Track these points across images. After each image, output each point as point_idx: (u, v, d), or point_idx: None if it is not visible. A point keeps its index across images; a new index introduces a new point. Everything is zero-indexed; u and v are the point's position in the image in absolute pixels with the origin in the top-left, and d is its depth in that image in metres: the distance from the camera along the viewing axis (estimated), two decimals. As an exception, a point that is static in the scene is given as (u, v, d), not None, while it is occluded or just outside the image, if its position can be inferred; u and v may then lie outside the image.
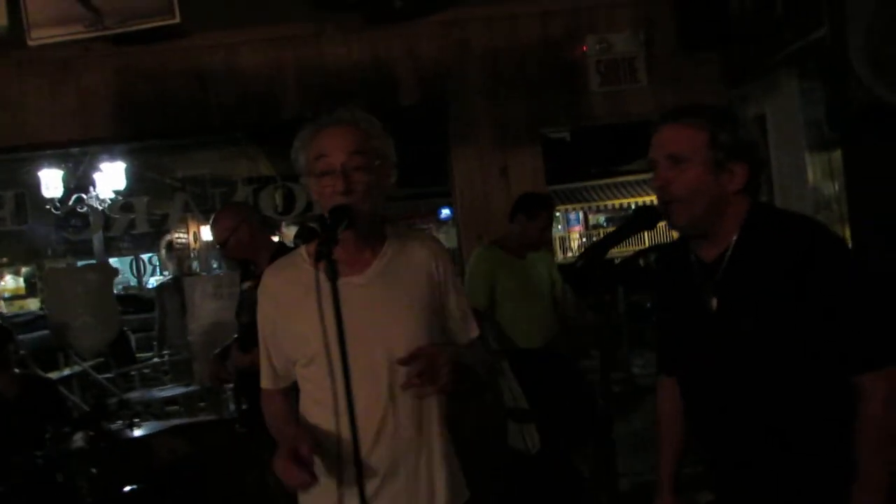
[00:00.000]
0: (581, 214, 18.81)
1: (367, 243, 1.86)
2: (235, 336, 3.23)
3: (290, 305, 1.82)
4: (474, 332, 1.97)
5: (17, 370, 3.95)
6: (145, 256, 10.37)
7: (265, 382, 1.91)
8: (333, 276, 1.59)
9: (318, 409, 1.78)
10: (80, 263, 5.19)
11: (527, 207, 3.81)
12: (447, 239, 10.14)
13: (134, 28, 2.01)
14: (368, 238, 1.85)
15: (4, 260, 8.12)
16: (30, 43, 1.74)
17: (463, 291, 1.98)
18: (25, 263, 8.76)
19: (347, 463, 1.68)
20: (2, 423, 3.62)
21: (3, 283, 21.80)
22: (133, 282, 10.66)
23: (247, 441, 3.60)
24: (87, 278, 4.57)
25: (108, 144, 4.89)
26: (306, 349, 1.78)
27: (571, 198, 17.80)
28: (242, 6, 3.88)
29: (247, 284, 3.11)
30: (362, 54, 4.46)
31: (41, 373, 5.03)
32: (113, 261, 10.92)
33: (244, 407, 3.61)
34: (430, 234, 2.12)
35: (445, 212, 14.73)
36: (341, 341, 1.60)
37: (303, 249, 1.90)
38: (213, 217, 3.36)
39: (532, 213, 3.79)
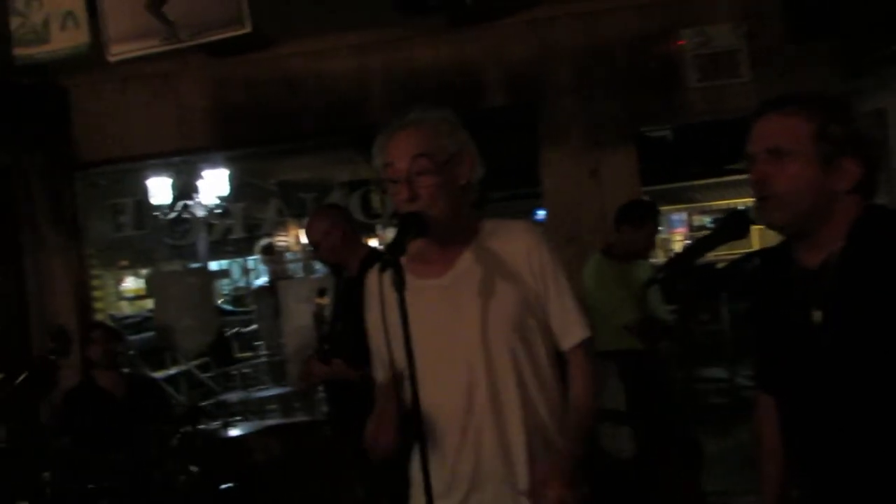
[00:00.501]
0: (685, 216, 18.11)
1: (451, 242, 1.77)
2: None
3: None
4: (582, 333, 1.79)
5: (125, 370, 4.14)
6: (250, 259, 10.75)
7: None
8: (400, 287, 1.53)
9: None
10: (190, 266, 5.40)
11: (632, 217, 3.69)
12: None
13: (206, 40, 2.04)
14: (452, 236, 1.77)
15: (125, 262, 8.62)
16: (109, 58, 1.78)
17: (567, 287, 1.79)
18: (144, 266, 9.28)
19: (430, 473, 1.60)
20: (109, 421, 3.79)
21: (125, 284, 23.23)
22: (242, 283, 11.10)
23: (336, 444, 3.64)
24: (188, 282, 4.75)
25: (206, 154, 5.06)
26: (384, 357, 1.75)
27: (674, 198, 17.15)
28: (328, 14, 3.91)
29: (322, 298, 3.12)
30: (448, 57, 4.41)
31: (148, 372, 5.27)
32: (223, 263, 11.42)
33: (332, 410, 3.65)
34: (529, 223, 1.91)
35: (542, 213, 14.52)
36: (408, 353, 1.54)
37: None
38: (307, 220, 3.39)
39: (637, 222, 3.68)
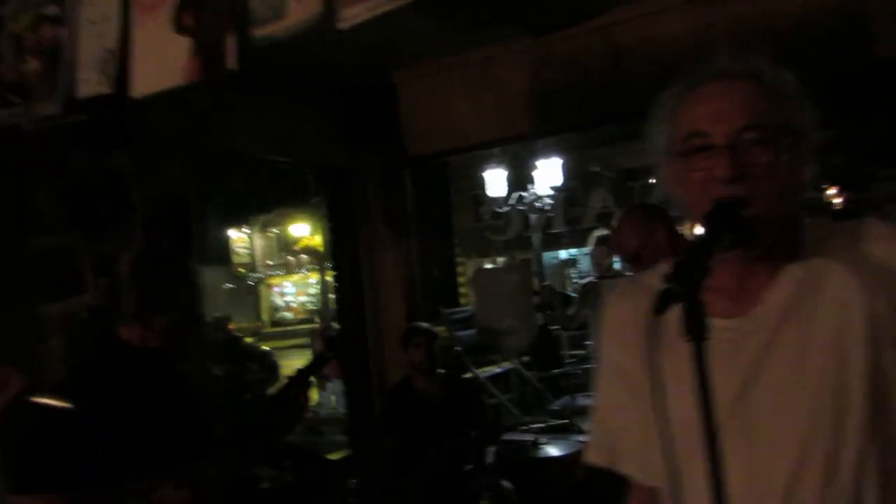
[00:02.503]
0: None
1: (766, 262, 1.14)
2: None
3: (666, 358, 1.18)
4: None
5: (442, 371, 4.01)
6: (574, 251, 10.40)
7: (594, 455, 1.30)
8: (699, 333, 0.93)
9: None
10: (510, 261, 5.22)
11: None
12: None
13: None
14: (772, 255, 1.13)
15: (459, 252, 9.09)
16: (339, 25, 1.43)
17: None
18: (481, 257, 9.66)
19: None
20: (427, 425, 3.68)
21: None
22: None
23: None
24: (509, 279, 4.49)
25: (528, 142, 4.74)
26: (642, 431, 1.15)
27: None
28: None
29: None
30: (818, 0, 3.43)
31: (474, 370, 5.16)
32: (562, 253, 11.28)
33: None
34: (892, 226, 1.12)
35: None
36: (709, 434, 0.93)
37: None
38: (615, 222, 2.83)
39: None
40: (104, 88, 1.88)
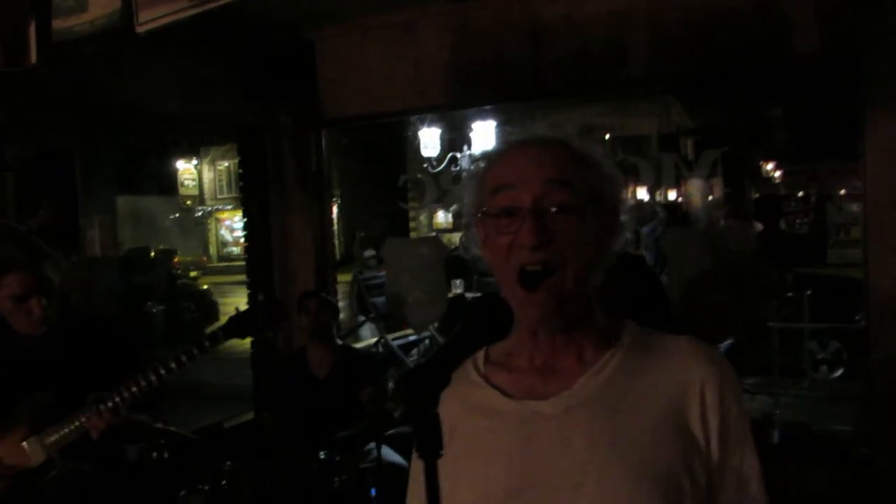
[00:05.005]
0: None
1: (576, 340, 1.11)
2: None
3: (463, 441, 1.10)
4: None
5: (339, 342, 3.94)
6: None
7: None
8: (432, 453, 0.86)
9: None
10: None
11: None
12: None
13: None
14: (579, 331, 1.11)
15: (425, 201, 9.06)
16: (137, 29, 1.29)
17: (755, 460, 1.09)
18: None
19: None
20: (312, 397, 3.60)
21: (436, 217, 25.20)
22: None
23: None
24: (419, 251, 4.41)
25: (442, 112, 4.59)
26: None
27: None
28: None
29: None
30: (737, -10, 3.33)
31: (385, 336, 5.11)
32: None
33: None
34: (705, 345, 1.14)
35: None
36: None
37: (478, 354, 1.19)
38: None
39: None
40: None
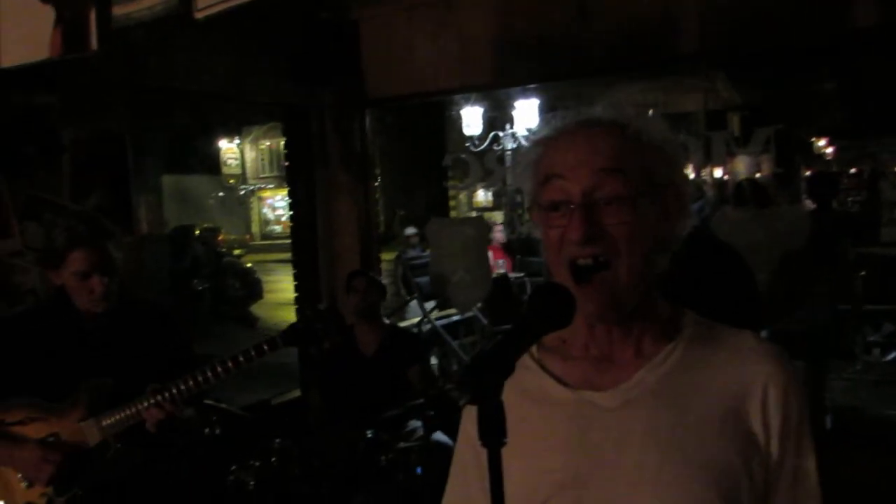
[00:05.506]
0: None
1: (634, 332, 1.07)
2: None
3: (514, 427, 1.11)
4: None
5: (385, 321, 3.96)
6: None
7: None
8: (495, 441, 0.86)
9: None
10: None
11: None
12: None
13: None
14: (637, 323, 1.07)
15: (468, 180, 8.98)
16: (196, 16, 1.30)
17: (813, 462, 1.07)
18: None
19: None
20: (359, 377, 3.64)
21: (476, 197, 25.10)
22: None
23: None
24: (463, 232, 4.40)
25: (486, 91, 4.56)
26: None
27: None
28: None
29: None
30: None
31: (429, 316, 5.13)
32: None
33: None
34: (772, 344, 1.10)
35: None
36: None
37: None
38: None
39: None
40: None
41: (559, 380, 1.09)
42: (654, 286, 1.08)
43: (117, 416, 2.17)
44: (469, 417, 1.11)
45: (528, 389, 1.09)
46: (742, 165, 9.53)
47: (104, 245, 2.17)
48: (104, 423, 2.18)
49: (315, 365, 3.85)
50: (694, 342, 1.07)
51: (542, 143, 1.09)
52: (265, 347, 2.19)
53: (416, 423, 3.43)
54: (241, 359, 2.17)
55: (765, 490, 1.02)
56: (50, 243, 2.32)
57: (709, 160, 4.79)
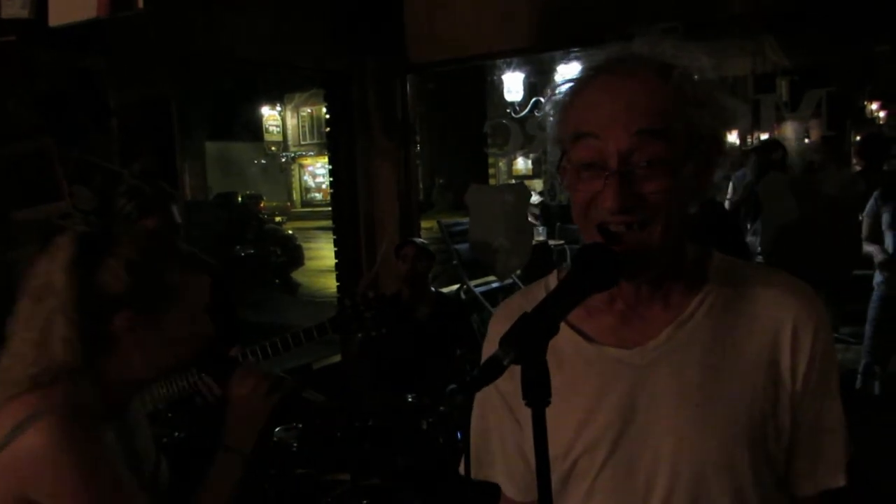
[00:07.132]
0: None
1: (662, 286, 1.05)
2: None
3: None
4: (832, 481, 1.04)
5: (432, 289, 3.97)
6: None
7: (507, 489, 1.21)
8: (540, 400, 0.85)
9: None
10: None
11: None
12: None
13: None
14: (667, 277, 1.04)
15: (509, 147, 8.95)
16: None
17: (838, 401, 1.05)
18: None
19: None
20: (412, 343, 3.66)
21: (515, 164, 24.95)
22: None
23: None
24: (503, 199, 4.37)
25: (529, 55, 4.48)
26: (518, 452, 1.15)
27: None
28: None
29: None
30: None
31: (468, 282, 5.14)
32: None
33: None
34: (798, 281, 1.06)
35: None
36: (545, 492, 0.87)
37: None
38: None
39: None
40: (25, 13, 1.78)
41: (585, 335, 1.07)
42: (684, 234, 1.04)
43: (169, 387, 2.22)
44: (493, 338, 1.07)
45: (555, 345, 1.09)
46: (790, 130, 9.26)
47: (171, 209, 2.22)
48: (156, 392, 2.23)
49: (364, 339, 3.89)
50: (722, 290, 1.04)
51: (573, 88, 1.00)
52: (315, 333, 2.24)
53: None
54: (291, 341, 2.22)
55: (791, 430, 1.01)
56: (117, 210, 2.36)
57: (757, 126, 4.66)
